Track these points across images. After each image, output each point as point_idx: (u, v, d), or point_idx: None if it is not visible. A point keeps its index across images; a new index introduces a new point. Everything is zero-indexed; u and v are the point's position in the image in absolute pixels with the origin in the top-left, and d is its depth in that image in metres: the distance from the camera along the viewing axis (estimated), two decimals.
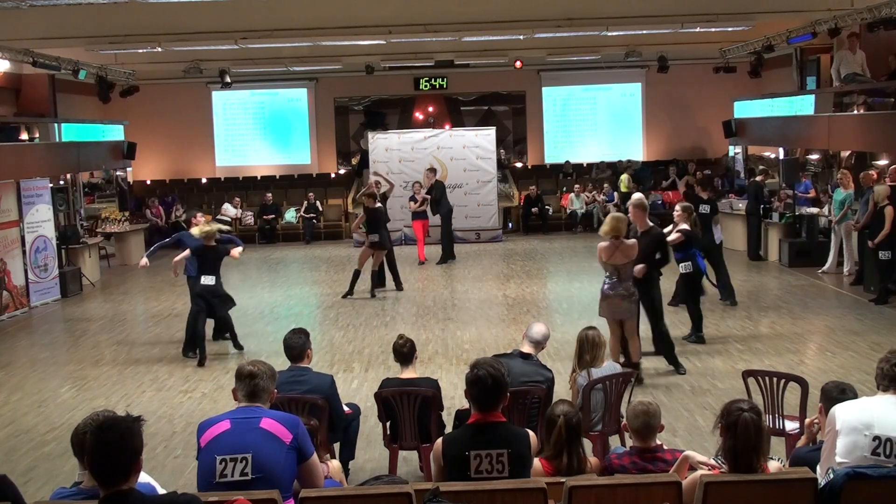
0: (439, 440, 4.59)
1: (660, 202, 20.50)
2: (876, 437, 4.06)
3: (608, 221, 8.81)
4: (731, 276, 12.77)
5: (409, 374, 6.57)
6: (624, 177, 21.70)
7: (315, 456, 4.36)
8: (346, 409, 6.51)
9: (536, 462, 4.54)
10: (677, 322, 11.03)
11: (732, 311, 12.25)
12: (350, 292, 14.07)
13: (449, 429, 6.30)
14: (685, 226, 10.49)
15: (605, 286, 8.84)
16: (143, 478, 3.83)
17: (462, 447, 4.33)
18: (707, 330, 10.94)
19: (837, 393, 4.84)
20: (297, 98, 24.24)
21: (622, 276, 8.74)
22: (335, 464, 5.37)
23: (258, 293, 14.16)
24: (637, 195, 10.04)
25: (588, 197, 21.86)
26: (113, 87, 18.99)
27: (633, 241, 8.86)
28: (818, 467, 4.29)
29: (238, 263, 17.03)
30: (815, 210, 15.88)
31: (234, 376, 4.52)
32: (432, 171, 17.83)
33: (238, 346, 10.91)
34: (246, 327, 12.23)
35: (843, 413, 4.17)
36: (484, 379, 4.33)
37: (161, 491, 4.06)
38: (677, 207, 10.95)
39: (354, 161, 24.44)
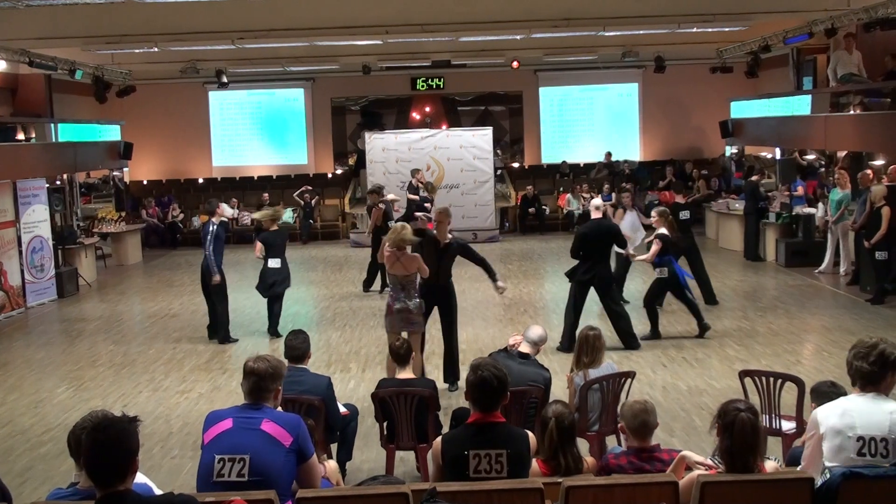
0: (438, 439, 4.59)
1: (656, 202, 20.48)
2: (860, 438, 4.05)
3: (393, 231, 8.70)
4: (727, 276, 12.80)
5: (405, 374, 6.57)
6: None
7: (314, 457, 4.35)
8: (343, 409, 6.51)
9: (534, 462, 4.54)
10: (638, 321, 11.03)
11: (729, 311, 12.27)
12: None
13: (446, 429, 6.30)
14: (663, 230, 10.52)
15: (388, 298, 8.69)
16: (140, 478, 3.83)
17: (461, 447, 4.33)
18: None
19: (828, 388, 4.83)
20: (293, 98, 24.22)
21: (405, 288, 8.56)
22: (332, 464, 5.37)
23: (255, 293, 14.10)
24: (441, 207, 9.77)
25: (586, 197, 21.84)
26: (109, 87, 18.96)
27: (414, 254, 8.66)
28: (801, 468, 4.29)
29: (235, 262, 17.07)
30: (811, 210, 15.89)
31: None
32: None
33: (275, 333, 11.48)
34: (244, 327, 12.26)
35: (825, 416, 4.16)
36: (489, 380, 4.32)
37: (158, 492, 4.06)
38: (653, 213, 11.01)
39: (351, 161, 24.44)
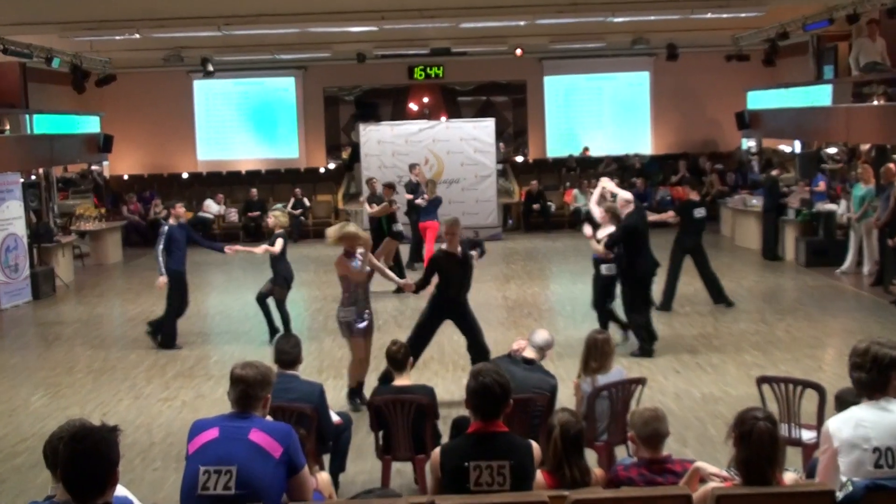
0: (437, 450, 4.57)
1: (668, 198, 20.51)
2: (876, 449, 4.04)
3: (337, 234, 8.69)
4: (744, 276, 12.80)
5: (402, 381, 6.57)
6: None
7: (305, 468, 4.34)
8: (336, 418, 6.51)
9: (539, 474, 4.52)
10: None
11: (746, 313, 12.26)
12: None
13: (445, 439, 6.29)
14: (612, 227, 10.44)
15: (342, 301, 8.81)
16: (120, 491, 3.82)
17: (461, 458, 4.31)
18: (719, 333, 10.96)
19: (853, 396, 4.82)
20: (284, 88, 24.24)
21: (365, 293, 8.69)
22: (324, 476, 5.36)
23: (243, 294, 14.13)
24: (451, 218, 9.72)
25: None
26: (88, 75, 18.96)
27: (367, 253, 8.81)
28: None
29: (222, 262, 17.06)
30: (833, 206, 15.89)
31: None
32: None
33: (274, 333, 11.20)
34: (231, 330, 12.27)
35: (837, 429, 4.15)
36: (491, 387, 4.30)
37: None
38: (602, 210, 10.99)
39: (345, 155, 24.44)
